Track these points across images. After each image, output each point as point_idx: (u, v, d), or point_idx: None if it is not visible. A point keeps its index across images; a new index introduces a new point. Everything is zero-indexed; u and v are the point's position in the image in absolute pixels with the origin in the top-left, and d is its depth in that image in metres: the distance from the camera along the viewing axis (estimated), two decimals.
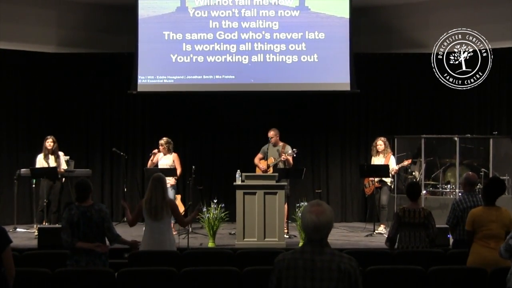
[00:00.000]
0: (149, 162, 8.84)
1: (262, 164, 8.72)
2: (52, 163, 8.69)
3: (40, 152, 8.80)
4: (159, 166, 8.65)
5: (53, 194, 8.74)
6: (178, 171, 8.71)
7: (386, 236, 5.73)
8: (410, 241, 5.46)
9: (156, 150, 8.81)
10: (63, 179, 8.89)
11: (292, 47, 9.92)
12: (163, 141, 8.75)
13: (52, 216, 8.71)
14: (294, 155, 8.65)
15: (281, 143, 8.80)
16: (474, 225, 4.94)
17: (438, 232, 5.67)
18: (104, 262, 4.90)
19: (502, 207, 5.00)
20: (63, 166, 8.89)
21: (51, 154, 8.73)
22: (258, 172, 8.66)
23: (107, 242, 5.02)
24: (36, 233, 7.72)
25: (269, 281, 3.03)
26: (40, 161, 8.71)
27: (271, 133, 8.76)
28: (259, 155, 8.88)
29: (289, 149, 8.69)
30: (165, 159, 8.75)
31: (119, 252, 6.49)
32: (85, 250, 4.79)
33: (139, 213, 5.59)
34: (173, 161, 8.78)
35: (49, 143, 8.72)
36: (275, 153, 8.70)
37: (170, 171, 8.59)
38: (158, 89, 10.02)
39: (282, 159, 8.54)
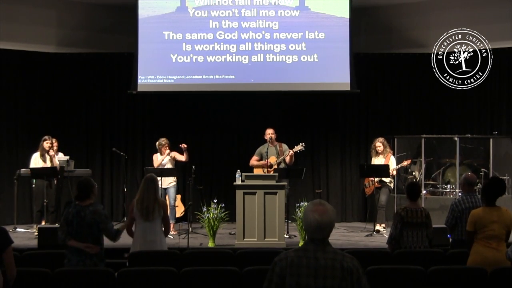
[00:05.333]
0: (156, 163, 8.82)
1: (263, 163, 8.59)
2: (48, 163, 8.67)
3: (36, 151, 8.79)
4: (161, 167, 8.66)
5: (50, 194, 8.72)
6: (185, 156, 8.69)
7: (388, 236, 5.70)
8: (413, 241, 5.45)
9: (168, 151, 8.78)
10: (56, 178, 8.82)
11: (292, 47, 9.92)
12: (164, 140, 8.75)
13: (50, 216, 8.70)
14: (303, 149, 8.59)
15: (276, 143, 8.75)
16: (476, 226, 4.91)
17: (436, 232, 5.68)
18: (96, 263, 4.90)
19: (502, 207, 5.00)
20: (56, 163, 8.77)
21: (48, 154, 8.70)
22: (259, 172, 8.50)
23: (104, 241, 5.03)
24: (36, 233, 7.72)
25: (266, 279, 3.00)
26: (36, 160, 8.69)
27: (271, 131, 8.65)
28: (255, 157, 8.75)
29: (286, 148, 8.65)
30: (165, 159, 8.75)
31: (119, 252, 6.49)
32: (76, 249, 4.85)
33: (133, 215, 5.53)
34: (174, 158, 8.76)
35: (48, 144, 8.68)
36: (274, 153, 8.63)
37: (171, 171, 8.61)
38: (158, 89, 10.02)
39: (290, 154, 8.44)
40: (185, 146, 8.67)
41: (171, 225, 7.85)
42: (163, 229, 5.59)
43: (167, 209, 5.63)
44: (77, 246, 4.85)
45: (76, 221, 4.85)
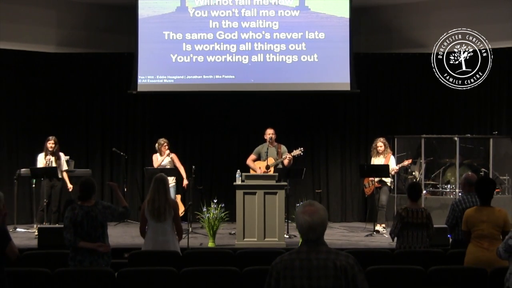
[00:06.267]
0: (156, 163, 8.82)
1: (259, 166, 8.58)
2: (53, 163, 8.69)
3: (40, 152, 8.81)
4: (161, 167, 8.67)
5: (54, 194, 8.76)
6: (182, 171, 8.74)
7: (388, 235, 5.73)
8: (413, 241, 5.48)
9: (168, 151, 8.79)
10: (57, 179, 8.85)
11: (292, 47, 9.92)
12: (163, 140, 8.77)
13: (52, 216, 8.72)
14: (301, 154, 8.58)
15: (275, 143, 8.74)
16: (468, 225, 4.96)
17: (436, 232, 5.69)
18: (107, 261, 4.89)
19: (496, 207, 4.99)
20: (64, 167, 8.89)
21: (52, 155, 8.73)
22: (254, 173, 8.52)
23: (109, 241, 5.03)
24: (36, 233, 7.72)
25: (265, 284, 3.01)
26: (42, 160, 8.73)
27: (272, 131, 8.61)
28: (252, 156, 8.73)
29: (285, 150, 8.63)
30: (165, 160, 8.76)
31: (119, 252, 6.50)
32: (88, 250, 4.77)
33: (145, 216, 5.50)
34: (173, 161, 8.80)
35: (50, 144, 8.72)
36: (274, 154, 8.63)
37: (171, 171, 8.61)
38: (158, 89, 10.02)
39: (288, 157, 8.46)
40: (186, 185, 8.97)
41: None
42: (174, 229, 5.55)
43: (178, 210, 5.58)
44: (89, 247, 4.76)
45: (86, 221, 4.77)
